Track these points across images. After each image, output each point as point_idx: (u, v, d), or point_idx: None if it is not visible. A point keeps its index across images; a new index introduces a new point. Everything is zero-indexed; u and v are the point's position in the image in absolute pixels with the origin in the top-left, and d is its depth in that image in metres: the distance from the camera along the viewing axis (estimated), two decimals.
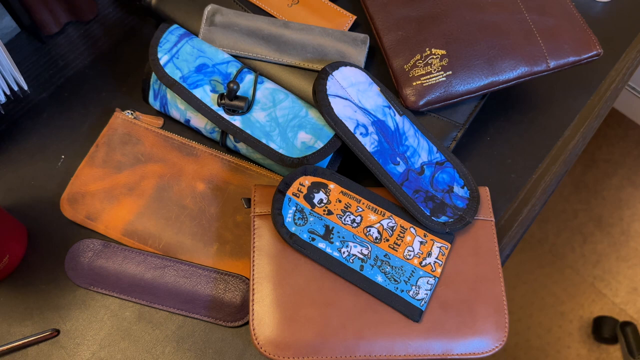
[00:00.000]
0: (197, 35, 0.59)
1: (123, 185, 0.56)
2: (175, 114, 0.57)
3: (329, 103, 0.52)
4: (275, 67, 0.58)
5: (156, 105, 0.58)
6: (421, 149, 0.54)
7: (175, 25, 0.57)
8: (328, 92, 0.52)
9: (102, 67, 0.64)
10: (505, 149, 0.61)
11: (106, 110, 0.61)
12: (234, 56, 0.58)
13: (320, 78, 0.53)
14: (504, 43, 0.56)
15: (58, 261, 0.54)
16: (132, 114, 0.59)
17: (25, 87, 0.58)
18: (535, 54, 0.56)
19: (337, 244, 0.49)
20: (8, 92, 0.57)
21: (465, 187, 0.54)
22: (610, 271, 1.46)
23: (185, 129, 0.60)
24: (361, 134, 0.52)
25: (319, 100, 0.52)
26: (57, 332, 0.52)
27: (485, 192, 0.55)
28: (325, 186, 0.51)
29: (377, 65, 0.59)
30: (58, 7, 0.64)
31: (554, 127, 0.62)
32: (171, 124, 0.60)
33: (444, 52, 0.55)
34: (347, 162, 0.57)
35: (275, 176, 0.56)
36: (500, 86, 0.56)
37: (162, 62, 0.54)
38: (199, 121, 0.56)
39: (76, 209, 0.55)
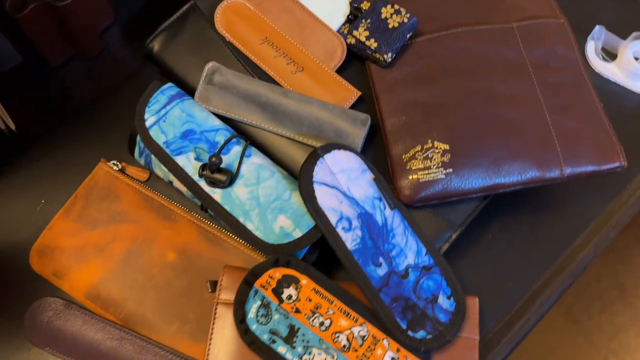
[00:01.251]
0: (195, 90, 0.56)
1: (94, 245, 0.53)
2: (159, 172, 0.55)
3: (313, 191, 0.48)
4: (270, 135, 0.55)
5: (141, 162, 0.55)
6: (408, 249, 0.50)
7: (168, 85, 0.54)
8: (314, 179, 0.49)
9: (98, 109, 0.62)
10: (506, 251, 0.56)
11: (95, 156, 0.59)
12: (228, 119, 0.55)
13: (309, 162, 0.49)
14: (516, 143, 0.51)
15: (18, 315, 0.52)
16: (117, 165, 0.57)
17: (13, 128, 0.56)
18: (550, 158, 0.51)
19: (300, 349, 0.46)
20: None
21: (451, 298, 0.49)
22: (628, 347, 1.37)
23: (166, 187, 0.57)
24: (344, 228, 0.48)
25: (303, 187, 0.48)
26: None
27: (473, 304, 0.50)
28: (297, 281, 0.47)
29: (376, 146, 0.55)
30: (62, 43, 0.62)
31: (565, 233, 0.57)
32: (157, 180, 0.58)
33: (447, 147, 0.51)
34: (328, 249, 0.54)
35: (254, 254, 0.53)
36: (506, 189, 0.51)
37: (147, 124, 0.51)
38: (180, 185, 0.53)
39: (44, 263, 0.53)
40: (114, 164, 0.57)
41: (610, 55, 0.67)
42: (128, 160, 0.58)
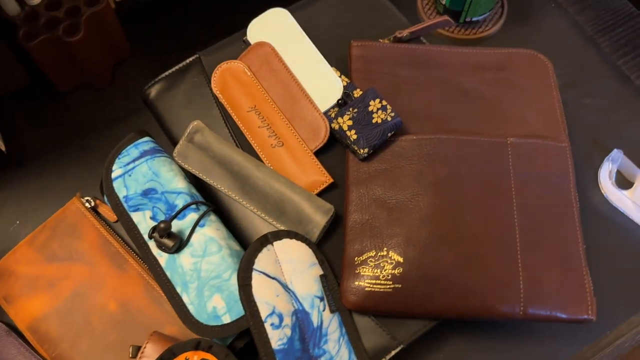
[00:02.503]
0: (175, 141, 0.57)
1: (46, 278, 0.55)
2: None
3: (250, 279, 0.47)
4: (236, 203, 0.54)
5: (108, 204, 0.56)
6: (339, 359, 0.47)
7: (145, 139, 0.55)
8: (255, 267, 0.47)
9: (93, 140, 0.64)
10: None
11: (76, 187, 0.60)
12: (199, 179, 0.55)
13: (254, 247, 0.48)
14: (476, 272, 0.48)
15: None
16: (90, 202, 0.58)
17: (3, 149, 0.59)
18: (510, 294, 0.47)
19: None
20: None
21: None
22: None
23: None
24: (272, 324, 0.46)
25: (240, 273, 0.47)
26: None
27: None
28: None
29: (338, 239, 0.53)
30: (72, 73, 0.64)
31: None
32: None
33: (401, 259, 0.48)
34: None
35: (187, 331, 0.51)
36: (459, 318, 0.48)
37: (113, 175, 0.52)
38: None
39: None
40: (87, 200, 0.58)
41: (625, 181, 0.61)
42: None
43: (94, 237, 0.56)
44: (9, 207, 0.60)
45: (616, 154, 0.61)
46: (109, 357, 0.52)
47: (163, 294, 0.53)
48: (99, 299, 0.54)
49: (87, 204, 0.58)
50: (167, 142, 0.59)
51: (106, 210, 0.59)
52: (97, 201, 0.59)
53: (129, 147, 0.53)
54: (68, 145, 0.64)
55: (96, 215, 0.58)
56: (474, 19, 0.68)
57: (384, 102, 0.52)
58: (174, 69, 0.61)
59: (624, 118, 0.65)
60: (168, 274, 0.50)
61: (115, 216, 0.59)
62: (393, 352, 0.49)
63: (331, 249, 0.52)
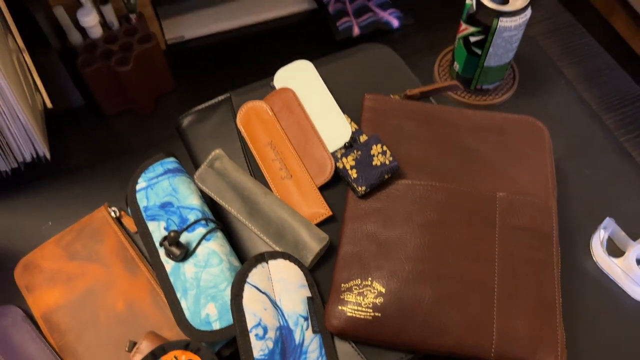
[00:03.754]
0: (198, 165, 0.63)
1: (65, 273, 0.61)
2: None
3: (242, 290, 0.51)
4: (241, 225, 0.60)
5: (130, 214, 0.62)
6: None
7: (170, 159, 0.62)
8: (248, 280, 0.52)
9: (127, 160, 0.71)
10: None
11: (105, 199, 0.67)
12: (213, 200, 0.61)
13: (250, 263, 0.53)
14: (451, 311, 0.51)
15: None
16: (116, 212, 0.65)
17: (48, 157, 0.67)
18: (482, 338, 0.50)
19: None
20: (34, 156, 0.66)
21: None
22: None
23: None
24: (257, 335, 0.50)
25: (234, 284, 0.52)
26: None
27: None
28: None
29: (329, 266, 0.57)
30: (119, 100, 0.73)
31: None
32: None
33: (383, 289, 0.52)
34: None
35: (182, 337, 0.56)
36: (432, 353, 0.51)
37: (137, 187, 0.59)
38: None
39: (23, 276, 0.61)
40: (113, 210, 0.65)
41: (616, 250, 0.64)
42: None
43: (114, 243, 0.62)
44: (43, 209, 0.67)
45: (608, 222, 0.63)
46: (109, 351, 0.56)
47: (166, 301, 0.58)
48: (108, 298, 0.59)
49: (112, 214, 0.65)
50: (191, 166, 0.66)
51: (128, 222, 0.65)
52: (122, 212, 0.65)
53: (155, 164, 0.60)
54: (105, 161, 0.71)
55: (119, 224, 0.64)
56: (484, 86, 0.74)
57: (385, 148, 0.58)
58: (206, 104, 0.69)
59: (621, 192, 0.67)
60: (172, 279, 0.55)
61: (135, 227, 0.65)
62: None
63: (322, 276, 0.56)
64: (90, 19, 0.68)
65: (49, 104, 0.68)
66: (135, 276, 0.60)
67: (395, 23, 0.83)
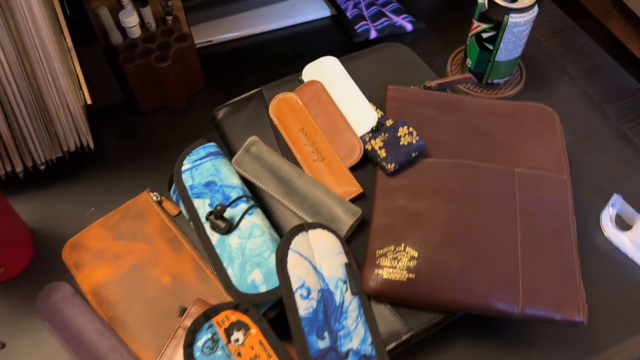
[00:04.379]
0: (234, 152, 0.68)
1: (112, 252, 0.64)
2: (183, 210, 0.66)
3: (286, 256, 0.56)
4: (277, 204, 0.64)
5: (173, 198, 0.67)
6: (355, 335, 0.54)
7: (211, 144, 0.66)
8: (291, 246, 0.56)
9: (164, 152, 0.76)
10: None
11: (145, 186, 0.71)
12: (250, 182, 0.65)
13: (292, 231, 0.57)
14: (481, 271, 0.55)
15: (38, 286, 0.63)
16: (157, 197, 0.69)
17: (92, 146, 0.71)
18: (510, 293, 0.54)
19: None
20: (78, 145, 0.71)
21: None
22: None
23: (188, 224, 0.68)
24: (301, 295, 0.54)
25: (279, 249, 0.56)
26: (3, 345, 0.60)
27: None
28: (247, 328, 0.53)
29: (363, 239, 0.61)
30: (155, 96, 0.78)
31: None
32: (183, 217, 0.69)
33: (415, 254, 0.56)
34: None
35: (229, 299, 0.60)
36: (463, 311, 0.55)
37: (183, 168, 0.63)
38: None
39: (71, 255, 0.65)
40: (155, 195, 0.69)
41: (624, 224, 0.68)
42: (168, 196, 0.70)
43: (157, 223, 0.66)
44: (87, 196, 0.71)
45: (616, 198, 0.68)
46: (159, 320, 0.60)
47: (210, 274, 0.62)
48: (155, 273, 0.63)
49: (154, 197, 0.69)
50: (227, 155, 0.70)
51: (169, 206, 0.69)
52: (162, 197, 0.70)
53: (198, 148, 0.65)
54: (143, 153, 0.76)
55: (161, 207, 0.68)
56: (495, 81, 0.80)
57: (411, 129, 0.63)
58: (239, 97, 0.74)
59: (626, 174, 0.73)
60: (217, 250, 0.59)
61: (175, 210, 0.69)
62: (404, 337, 0.55)
63: (356, 246, 0.61)
64: (131, 20, 0.73)
65: (89, 100, 0.72)
66: (179, 253, 0.64)
67: (408, 27, 0.89)
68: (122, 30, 0.75)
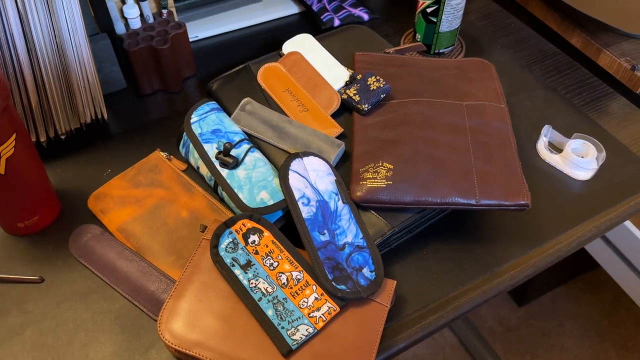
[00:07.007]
0: (231, 114, 0.80)
1: (133, 197, 0.75)
2: (191, 160, 0.77)
3: (288, 175, 0.68)
4: (273, 148, 0.76)
5: (182, 152, 0.78)
6: (349, 232, 0.66)
7: (213, 102, 0.79)
8: (290, 168, 0.69)
9: (167, 124, 0.87)
10: (434, 265, 0.70)
11: (154, 149, 0.82)
12: (248, 134, 0.78)
13: (291, 157, 0.70)
14: (444, 174, 0.69)
15: (68, 233, 0.73)
16: (167, 155, 0.80)
17: (106, 117, 0.82)
18: (468, 189, 0.68)
19: (250, 275, 0.62)
20: (93, 117, 0.82)
21: (373, 272, 0.64)
22: None
23: (196, 175, 0.79)
24: (303, 203, 0.66)
25: (281, 170, 0.68)
26: (42, 280, 0.69)
27: (391, 284, 0.64)
28: (261, 232, 0.65)
29: (346, 167, 0.74)
30: (154, 78, 0.90)
31: (488, 262, 0.71)
32: (190, 170, 0.80)
33: (391, 166, 0.69)
34: (292, 227, 0.71)
35: None
36: (432, 206, 0.68)
37: (192, 121, 0.75)
38: (203, 170, 0.75)
39: (96, 203, 0.75)
40: (165, 153, 0.80)
41: (555, 149, 0.84)
42: (175, 155, 0.81)
43: (170, 173, 0.77)
44: (104, 160, 0.82)
45: (547, 128, 0.84)
46: (179, 245, 0.70)
47: (221, 207, 0.73)
48: (173, 209, 0.73)
49: (164, 155, 0.80)
50: None
51: (177, 163, 0.80)
52: (172, 156, 0.81)
53: (203, 105, 0.77)
54: (147, 127, 0.87)
55: (170, 163, 0.79)
56: (440, 50, 0.96)
57: (378, 77, 0.77)
58: (230, 71, 0.87)
59: (553, 114, 0.89)
60: (229, 181, 0.70)
61: (183, 167, 0.80)
62: (388, 233, 0.68)
63: (342, 173, 0.73)
64: (134, 12, 0.86)
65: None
66: (193, 194, 0.75)
67: (365, 17, 1.05)
68: (124, 21, 0.88)
